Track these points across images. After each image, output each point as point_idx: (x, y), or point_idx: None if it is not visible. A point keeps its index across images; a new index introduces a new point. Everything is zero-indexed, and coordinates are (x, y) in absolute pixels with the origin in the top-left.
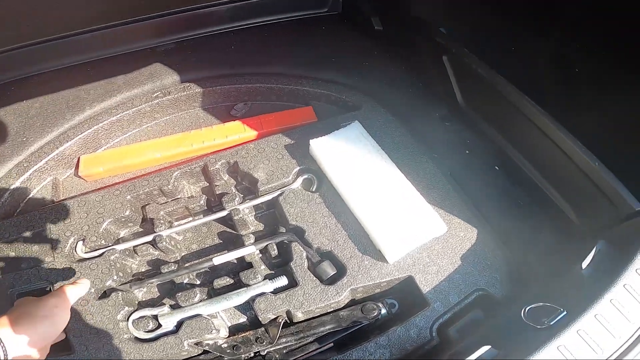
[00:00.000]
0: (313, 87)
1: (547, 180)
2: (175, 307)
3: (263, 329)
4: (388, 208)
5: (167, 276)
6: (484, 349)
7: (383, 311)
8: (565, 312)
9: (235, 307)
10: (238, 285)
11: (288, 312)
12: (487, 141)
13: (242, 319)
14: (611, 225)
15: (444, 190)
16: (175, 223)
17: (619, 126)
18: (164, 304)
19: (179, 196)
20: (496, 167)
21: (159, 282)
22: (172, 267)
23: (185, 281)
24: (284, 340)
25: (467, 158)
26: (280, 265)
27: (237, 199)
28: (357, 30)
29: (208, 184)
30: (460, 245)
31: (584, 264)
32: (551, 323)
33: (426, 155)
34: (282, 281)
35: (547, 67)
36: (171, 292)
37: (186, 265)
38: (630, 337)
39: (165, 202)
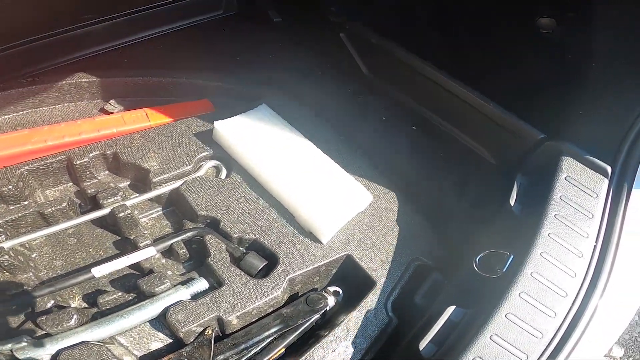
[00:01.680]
0: (212, 81)
1: (459, 130)
2: (43, 337)
3: (189, 348)
4: (311, 185)
5: (17, 300)
6: (450, 309)
7: (330, 300)
8: (512, 256)
9: (141, 326)
10: (139, 299)
11: (219, 320)
12: (399, 105)
13: (156, 341)
14: (524, 157)
15: (358, 163)
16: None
17: (506, 70)
18: (22, 336)
19: (26, 202)
20: (413, 127)
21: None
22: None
23: (49, 305)
24: (221, 358)
25: (385, 124)
26: (195, 267)
27: (120, 193)
28: (257, 26)
29: (76, 185)
30: (386, 216)
31: (512, 201)
32: (504, 270)
33: (336, 132)
34: (201, 284)
35: (432, 26)
36: (33, 317)
37: (47, 283)
38: (585, 266)
39: (5, 209)
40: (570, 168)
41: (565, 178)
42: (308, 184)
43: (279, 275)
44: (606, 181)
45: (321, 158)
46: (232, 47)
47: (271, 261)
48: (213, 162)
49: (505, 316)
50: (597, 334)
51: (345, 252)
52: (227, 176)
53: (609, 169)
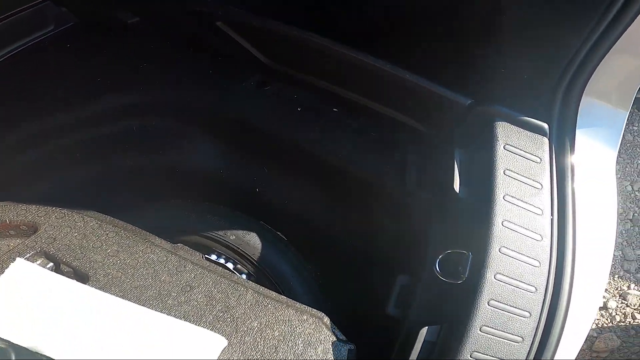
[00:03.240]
0: None
1: (384, 105)
2: None
3: None
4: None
5: None
6: (424, 331)
7: None
8: (471, 255)
9: None
10: None
11: None
12: (311, 89)
13: None
14: (456, 127)
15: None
16: None
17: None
18: None
19: None
20: (334, 110)
21: None
22: None
23: None
24: None
25: (301, 114)
26: None
27: None
28: (113, 34)
29: None
30: (262, 336)
31: (455, 185)
32: (466, 274)
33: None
34: None
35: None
36: None
37: None
38: (548, 250)
39: None
40: (507, 133)
41: (504, 147)
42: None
43: None
44: (546, 141)
45: (135, 315)
46: (86, 64)
47: None
48: None
49: (480, 329)
50: (576, 318)
51: None
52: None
53: (546, 126)
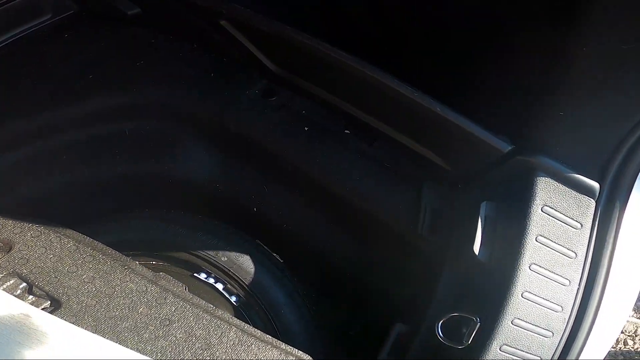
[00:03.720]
0: None
1: (406, 135)
2: None
3: None
4: None
5: None
6: None
7: None
8: (479, 323)
9: None
10: None
11: None
12: (322, 104)
13: None
14: (487, 175)
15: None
16: None
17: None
18: None
19: None
20: (346, 131)
21: None
22: None
23: None
24: None
25: (308, 133)
26: None
27: None
28: (112, 25)
29: None
30: None
31: (476, 247)
32: (469, 341)
33: None
34: None
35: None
36: None
37: None
38: (562, 335)
39: None
40: (548, 191)
41: (542, 208)
42: None
43: None
44: (593, 204)
45: (102, 349)
46: (85, 57)
47: None
48: None
49: None
50: None
51: None
52: None
53: (597, 187)
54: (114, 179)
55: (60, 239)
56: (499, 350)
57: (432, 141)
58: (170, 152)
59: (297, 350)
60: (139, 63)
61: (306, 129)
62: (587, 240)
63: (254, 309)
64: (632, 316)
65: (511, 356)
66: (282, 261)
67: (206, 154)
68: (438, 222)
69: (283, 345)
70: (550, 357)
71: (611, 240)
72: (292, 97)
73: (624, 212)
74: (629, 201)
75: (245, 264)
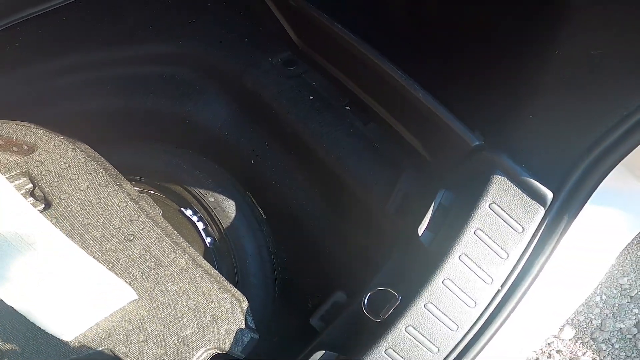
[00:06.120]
0: None
1: (395, 119)
2: None
3: None
4: (44, 285)
5: None
6: (319, 354)
7: None
8: (400, 299)
9: None
10: None
11: None
12: (331, 81)
13: None
14: (454, 166)
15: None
16: None
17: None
18: None
19: None
20: (346, 107)
21: None
22: None
23: None
24: None
25: (312, 102)
26: None
27: None
28: None
29: None
30: (176, 300)
31: (421, 228)
32: (386, 316)
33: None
34: None
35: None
36: None
37: None
38: (468, 332)
39: None
40: (500, 191)
41: (489, 205)
42: (38, 284)
43: None
44: (542, 211)
45: (66, 249)
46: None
47: None
48: None
49: None
50: None
51: (103, 347)
52: None
53: (550, 196)
54: (140, 111)
55: (75, 151)
56: (403, 330)
57: (417, 129)
58: (194, 98)
59: (237, 290)
60: (191, 22)
61: (311, 97)
62: (525, 246)
63: (223, 254)
64: (589, 355)
65: (412, 338)
66: (264, 217)
67: (223, 105)
68: (406, 206)
69: (225, 282)
70: (448, 351)
71: (548, 251)
72: (307, 71)
73: (569, 227)
74: (577, 217)
75: (228, 209)
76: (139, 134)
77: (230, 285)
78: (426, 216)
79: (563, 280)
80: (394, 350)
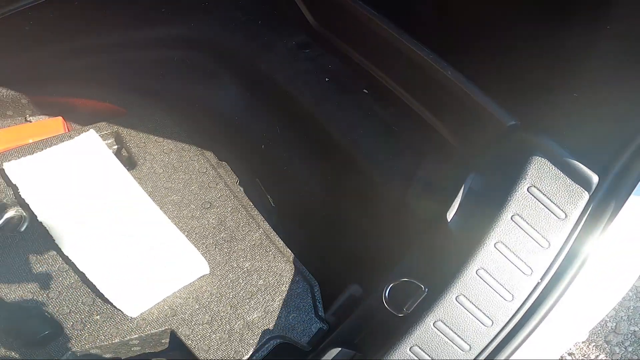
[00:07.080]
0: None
1: (421, 104)
2: None
3: None
4: (120, 247)
5: None
6: (334, 352)
7: None
8: (426, 292)
9: None
10: None
11: None
12: (349, 63)
13: None
14: (486, 148)
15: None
16: None
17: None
18: None
19: None
20: (365, 90)
21: None
22: None
23: None
24: None
25: (329, 85)
26: None
27: None
28: None
29: None
30: (246, 280)
31: (449, 214)
32: (410, 310)
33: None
34: None
35: None
36: None
37: None
38: (503, 328)
39: None
40: (541, 173)
41: (528, 189)
42: (117, 245)
43: (58, 347)
44: (586, 196)
45: (148, 211)
46: None
47: (54, 330)
48: (12, 212)
49: None
50: None
51: (166, 327)
52: (28, 228)
53: (595, 180)
54: (150, 94)
55: (161, 115)
56: (432, 325)
57: (443, 110)
58: (207, 81)
59: (309, 274)
60: (205, 4)
61: (327, 79)
62: (568, 233)
63: None
64: (602, 357)
65: (441, 334)
66: (273, 205)
67: (235, 89)
68: (428, 192)
69: (298, 264)
70: (480, 348)
71: (595, 239)
72: (323, 54)
73: (616, 213)
74: (627, 203)
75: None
76: None
77: (303, 267)
78: (455, 201)
79: (608, 272)
80: (420, 348)
